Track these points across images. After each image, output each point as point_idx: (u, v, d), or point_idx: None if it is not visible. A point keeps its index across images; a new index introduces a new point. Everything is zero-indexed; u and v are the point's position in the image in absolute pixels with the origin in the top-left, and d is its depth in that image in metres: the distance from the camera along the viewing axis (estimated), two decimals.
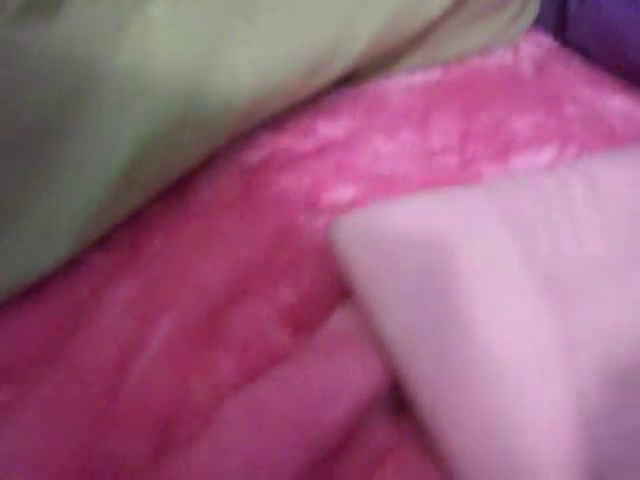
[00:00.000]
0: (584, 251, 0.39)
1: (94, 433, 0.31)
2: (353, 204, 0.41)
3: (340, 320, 0.34)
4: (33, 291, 0.35)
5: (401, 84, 0.48)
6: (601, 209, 0.41)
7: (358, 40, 0.42)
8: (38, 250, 0.34)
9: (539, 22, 0.57)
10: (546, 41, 0.55)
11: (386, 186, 0.42)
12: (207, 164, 0.40)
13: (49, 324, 0.35)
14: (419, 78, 0.49)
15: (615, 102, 0.49)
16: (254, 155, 0.42)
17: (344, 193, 0.42)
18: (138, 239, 0.38)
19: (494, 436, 0.32)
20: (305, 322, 0.35)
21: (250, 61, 0.37)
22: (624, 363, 0.35)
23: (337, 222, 0.35)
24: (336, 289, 0.37)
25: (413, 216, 0.36)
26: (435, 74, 0.50)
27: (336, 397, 0.31)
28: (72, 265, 0.37)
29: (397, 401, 0.34)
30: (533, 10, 0.56)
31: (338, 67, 0.42)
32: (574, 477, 0.31)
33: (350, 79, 0.47)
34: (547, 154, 0.46)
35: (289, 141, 0.43)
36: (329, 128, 0.44)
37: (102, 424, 0.31)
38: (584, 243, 0.40)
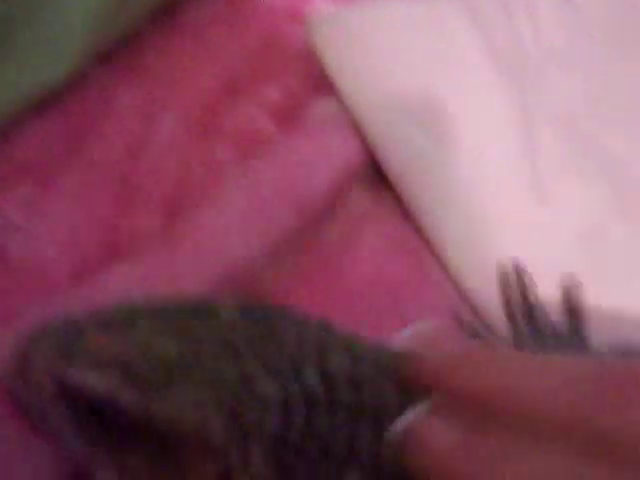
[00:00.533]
0: (542, 44, 0.43)
1: (113, 212, 0.36)
2: None
3: (321, 108, 0.39)
4: (46, 104, 0.40)
5: None
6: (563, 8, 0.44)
7: None
8: (48, 62, 0.38)
9: None
10: None
11: None
12: None
13: (64, 128, 0.39)
14: None
15: None
16: None
17: (325, 5, 0.45)
18: (134, 56, 0.42)
19: (460, 203, 0.37)
20: (290, 116, 0.40)
21: None
22: (578, 146, 0.40)
23: (315, 22, 0.39)
24: (319, 87, 0.41)
25: (381, 14, 0.40)
26: None
27: (319, 168, 0.36)
28: (76, 82, 0.40)
29: (376, 176, 0.38)
30: None
31: None
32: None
33: None
34: None
35: None
36: None
37: (119, 205, 0.36)
38: (543, 36, 0.43)
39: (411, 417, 0.24)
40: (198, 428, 0.25)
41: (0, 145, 0.38)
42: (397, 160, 0.37)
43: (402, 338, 0.27)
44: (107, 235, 0.36)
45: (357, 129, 0.38)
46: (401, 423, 0.24)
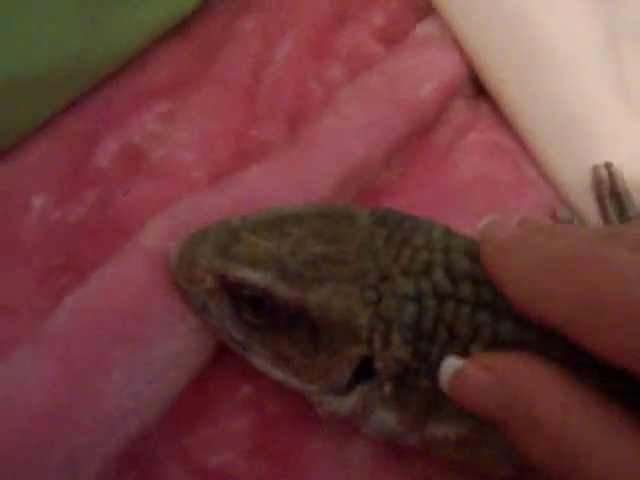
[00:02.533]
0: None
1: (241, 123, 0.41)
2: None
3: (423, 29, 0.42)
4: (176, 32, 0.44)
5: None
6: None
7: None
8: None
9: None
10: None
11: None
12: None
13: (192, 52, 0.44)
14: None
15: None
16: None
17: None
18: None
19: (556, 104, 0.40)
20: (395, 39, 0.43)
21: None
22: None
23: None
24: (420, 11, 0.44)
25: None
26: None
27: (425, 79, 0.39)
28: (200, 12, 0.45)
29: (476, 88, 0.42)
30: None
31: None
32: None
33: None
34: None
35: None
36: None
37: (246, 118, 0.41)
38: None
39: None
40: (346, 316, 0.29)
41: (137, 68, 0.43)
42: (495, 72, 0.41)
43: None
44: (237, 143, 0.40)
45: (457, 47, 0.41)
46: None
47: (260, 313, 0.30)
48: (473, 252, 0.29)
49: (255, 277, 0.30)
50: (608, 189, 0.39)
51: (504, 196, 0.40)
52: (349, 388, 0.30)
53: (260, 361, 0.32)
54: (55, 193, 0.39)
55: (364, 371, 0.30)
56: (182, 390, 0.33)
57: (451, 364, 0.27)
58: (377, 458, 0.34)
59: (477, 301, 0.29)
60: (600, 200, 0.39)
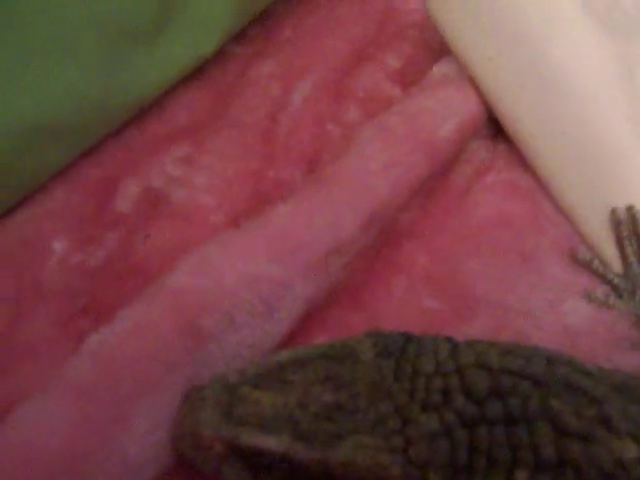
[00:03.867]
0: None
1: (259, 166, 0.41)
2: None
3: (440, 70, 0.43)
4: (194, 77, 0.45)
5: None
6: None
7: None
8: (199, 40, 0.43)
9: None
10: None
11: None
12: None
13: (210, 96, 0.44)
14: None
15: None
16: None
17: None
18: (270, 30, 0.46)
19: (574, 143, 0.40)
20: (412, 80, 0.44)
21: None
22: None
23: None
24: (435, 53, 0.45)
25: None
26: None
27: (444, 119, 0.39)
28: (218, 57, 0.45)
29: (494, 128, 0.42)
30: None
31: None
32: None
33: None
34: None
35: None
36: None
37: (264, 160, 0.41)
38: None
39: None
40: (375, 471, 0.27)
41: (156, 113, 0.44)
42: (512, 111, 0.41)
43: None
44: (255, 184, 0.40)
45: (475, 87, 0.42)
46: None
47: (278, 475, 0.29)
48: (485, 363, 0.28)
49: (270, 443, 0.28)
50: (628, 230, 0.39)
51: (524, 236, 0.39)
52: None
53: None
54: (76, 237, 0.40)
55: None
56: None
57: None
58: None
59: (509, 418, 0.27)
60: (619, 242, 0.39)
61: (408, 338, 0.30)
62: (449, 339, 0.30)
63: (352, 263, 0.37)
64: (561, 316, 0.37)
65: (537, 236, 0.40)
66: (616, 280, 0.39)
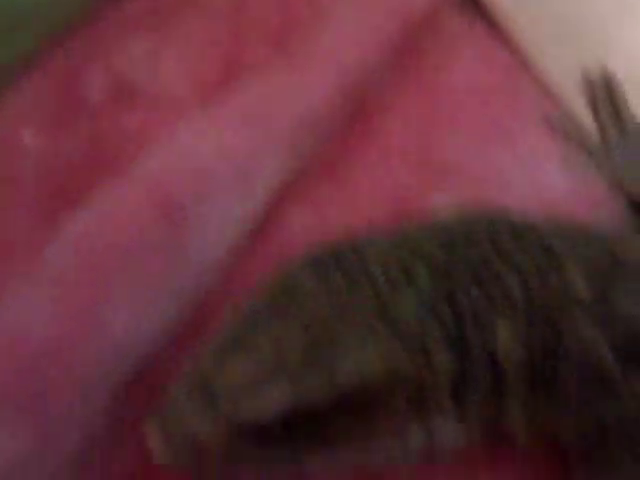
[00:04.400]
0: None
1: (226, 48, 0.40)
2: None
3: None
4: None
5: None
6: None
7: None
8: None
9: None
10: None
11: None
12: None
13: None
14: None
15: None
16: None
17: None
18: None
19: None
20: None
21: None
22: None
23: None
24: None
25: None
26: None
27: None
28: None
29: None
30: None
31: None
32: None
33: None
34: None
35: None
36: None
37: (233, 41, 0.40)
38: None
39: None
40: (387, 377, 0.26)
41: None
42: None
43: None
44: (226, 67, 0.39)
45: None
46: None
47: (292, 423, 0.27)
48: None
49: (273, 399, 0.26)
50: (601, 92, 0.39)
51: (499, 107, 0.39)
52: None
53: (317, 461, 0.28)
54: (47, 129, 0.39)
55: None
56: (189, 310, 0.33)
57: None
58: None
59: (476, 278, 0.28)
60: (593, 104, 0.39)
61: (338, 247, 0.29)
62: (377, 230, 0.30)
63: (325, 136, 0.37)
64: (534, 181, 0.38)
65: (512, 105, 0.39)
66: (593, 147, 0.39)
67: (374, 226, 0.31)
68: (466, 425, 0.29)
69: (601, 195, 0.38)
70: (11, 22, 0.38)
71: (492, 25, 0.41)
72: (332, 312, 0.27)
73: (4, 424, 0.29)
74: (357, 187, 0.37)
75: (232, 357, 0.27)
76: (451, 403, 0.28)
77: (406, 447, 0.29)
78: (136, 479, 0.32)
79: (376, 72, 0.38)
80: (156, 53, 0.40)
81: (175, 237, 0.33)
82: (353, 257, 0.29)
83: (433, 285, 0.28)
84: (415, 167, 0.38)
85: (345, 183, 0.38)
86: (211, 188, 0.34)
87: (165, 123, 0.37)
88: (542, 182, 0.37)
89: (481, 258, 0.28)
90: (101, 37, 0.41)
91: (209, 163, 0.34)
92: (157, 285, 0.32)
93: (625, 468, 0.29)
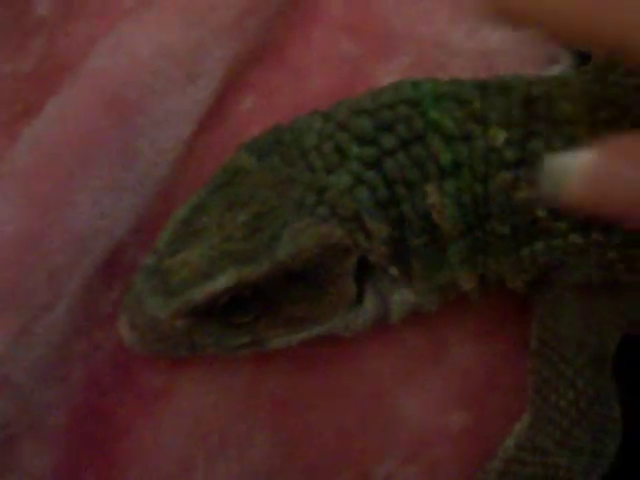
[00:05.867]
0: None
1: None
2: None
3: None
4: None
5: None
6: None
7: None
8: None
9: None
10: None
11: None
12: None
13: None
14: None
15: None
16: None
17: None
18: None
19: None
20: None
21: None
22: None
23: None
24: None
25: None
26: None
27: None
28: None
29: None
30: None
31: None
32: None
33: None
34: None
35: None
36: None
37: None
38: None
39: None
40: (320, 243, 0.28)
41: None
42: None
43: None
44: None
45: None
46: None
47: (248, 307, 0.29)
48: (361, 108, 0.30)
49: (220, 282, 0.28)
50: None
51: None
52: (359, 296, 0.31)
53: (279, 342, 0.31)
54: (3, 49, 0.40)
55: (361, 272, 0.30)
56: (148, 202, 0.35)
57: (567, 160, 0.23)
58: None
59: (403, 143, 0.29)
60: None
61: (277, 130, 0.31)
62: (315, 111, 0.31)
63: (270, 21, 0.37)
64: (478, 42, 0.38)
65: None
66: None
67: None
68: (415, 289, 0.31)
69: (541, 46, 0.38)
70: None
71: None
72: (270, 190, 0.29)
73: None
74: (305, 68, 0.38)
75: (183, 244, 0.30)
76: (395, 268, 0.30)
77: (361, 314, 0.31)
78: (119, 365, 0.34)
79: None
80: None
81: (125, 132, 0.34)
82: (290, 139, 0.30)
83: (361, 154, 0.29)
84: (362, 40, 0.38)
85: (294, 66, 0.38)
86: (156, 83, 0.35)
87: (111, 28, 0.37)
88: (481, 37, 0.37)
89: (407, 124, 0.29)
90: None
91: (152, 59, 0.35)
92: (113, 179, 0.34)
93: (569, 305, 0.31)
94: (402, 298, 0.31)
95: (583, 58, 0.37)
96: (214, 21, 0.36)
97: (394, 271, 0.30)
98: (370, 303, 0.31)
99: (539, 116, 0.29)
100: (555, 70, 0.37)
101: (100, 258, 0.34)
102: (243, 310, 0.29)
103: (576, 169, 0.22)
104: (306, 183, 0.29)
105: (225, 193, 0.30)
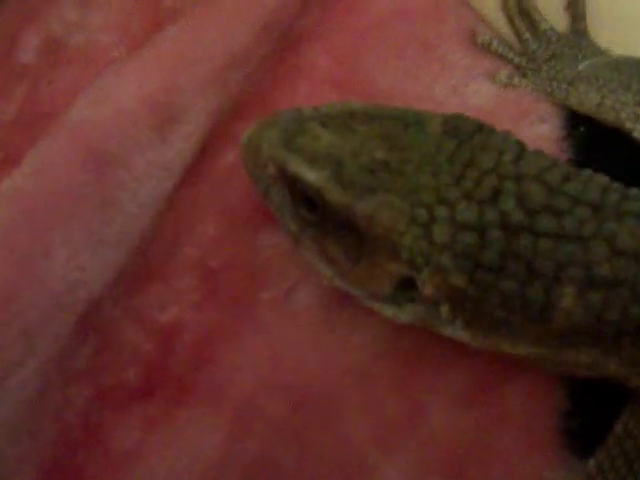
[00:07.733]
0: None
1: None
2: None
3: None
4: None
5: None
6: None
7: None
8: None
9: None
10: None
11: None
12: None
13: None
14: None
15: None
16: None
17: None
18: None
19: None
20: None
21: None
22: None
23: None
24: None
25: None
26: None
27: None
28: None
29: None
30: None
31: None
32: None
33: None
34: None
35: None
36: None
37: None
38: None
39: None
40: (389, 232, 0.28)
41: None
42: None
43: None
44: (154, 16, 0.40)
45: None
46: None
47: (313, 210, 0.30)
48: (546, 180, 0.28)
49: (310, 176, 0.30)
50: (516, 7, 0.39)
51: (423, 26, 0.39)
52: (394, 299, 0.30)
53: (309, 255, 0.32)
54: None
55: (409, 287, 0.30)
56: (127, 256, 0.34)
57: None
58: (325, 307, 0.35)
59: (561, 234, 0.27)
60: (509, 18, 0.39)
61: (481, 127, 0.30)
62: (520, 142, 0.30)
63: (254, 73, 0.37)
64: (465, 98, 0.38)
65: (438, 26, 0.39)
66: (517, 59, 0.39)
67: None
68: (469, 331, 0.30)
69: (530, 104, 0.38)
70: None
71: None
72: (414, 160, 0.29)
73: None
74: None
75: (329, 128, 0.31)
76: (449, 312, 0.29)
77: (391, 312, 0.31)
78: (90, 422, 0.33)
79: (297, 4, 0.38)
80: (85, 9, 0.41)
81: (106, 185, 0.34)
82: (479, 140, 0.30)
83: (511, 215, 0.28)
84: (347, 95, 0.38)
85: None
86: (138, 133, 0.34)
87: (96, 77, 0.37)
88: (467, 94, 0.37)
89: (577, 228, 0.28)
90: (34, 4, 0.42)
91: (134, 111, 0.35)
92: (91, 233, 0.33)
93: None
94: (454, 333, 0.30)
95: (572, 119, 0.37)
96: (197, 73, 0.36)
97: (446, 312, 0.29)
98: (408, 316, 0.31)
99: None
100: (543, 129, 0.37)
101: (75, 312, 0.33)
102: (309, 209, 0.31)
103: None
104: (441, 185, 0.29)
105: (394, 126, 0.30)
